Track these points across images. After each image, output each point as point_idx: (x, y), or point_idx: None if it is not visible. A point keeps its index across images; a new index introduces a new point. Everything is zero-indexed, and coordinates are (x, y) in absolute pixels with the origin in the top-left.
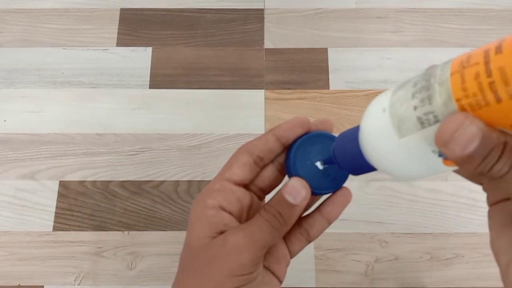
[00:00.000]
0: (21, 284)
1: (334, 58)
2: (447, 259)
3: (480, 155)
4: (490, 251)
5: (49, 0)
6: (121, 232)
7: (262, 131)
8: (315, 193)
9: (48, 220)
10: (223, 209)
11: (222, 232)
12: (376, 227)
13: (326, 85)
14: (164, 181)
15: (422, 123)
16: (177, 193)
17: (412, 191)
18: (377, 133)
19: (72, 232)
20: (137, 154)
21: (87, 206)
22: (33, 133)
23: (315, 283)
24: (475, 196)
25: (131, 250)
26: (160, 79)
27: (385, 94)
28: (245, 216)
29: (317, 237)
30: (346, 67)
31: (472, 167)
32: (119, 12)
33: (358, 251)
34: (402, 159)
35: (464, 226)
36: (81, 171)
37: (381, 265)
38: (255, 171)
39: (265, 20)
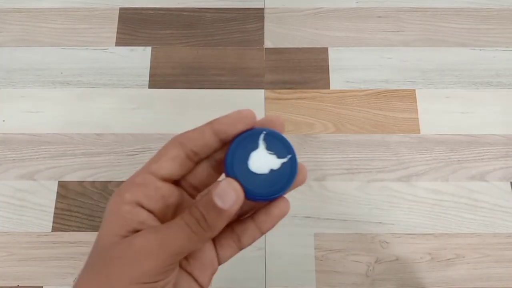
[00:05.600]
0: (20, 285)
1: (335, 58)
2: (448, 259)
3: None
4: (491, 252)
5: (48, 0)
6: None
7: None
8: (250, 198)
9: (47, 220)
10: (141, 206)
11: (136, 232)
12: (377, 228)
13: (327, 85)
14: None
15: None
16: None
17: (413, 191)
18: None
19: (71, 233)
20: (137, 154)
21: (86, 207)
22: (32, 133)
23: (316, 284)
24: (476, 196)
25: None
26: (160, 78)
27: None
28: (172, 215)
29: (248, 245)
30: (346, 67)
31: None
32: (118, 11)
33: (358, 252)
34: None
35: (465, 227)
36: (80, 171)
37: (382, 266)
38: (187, 166)
39: (265, 19)
